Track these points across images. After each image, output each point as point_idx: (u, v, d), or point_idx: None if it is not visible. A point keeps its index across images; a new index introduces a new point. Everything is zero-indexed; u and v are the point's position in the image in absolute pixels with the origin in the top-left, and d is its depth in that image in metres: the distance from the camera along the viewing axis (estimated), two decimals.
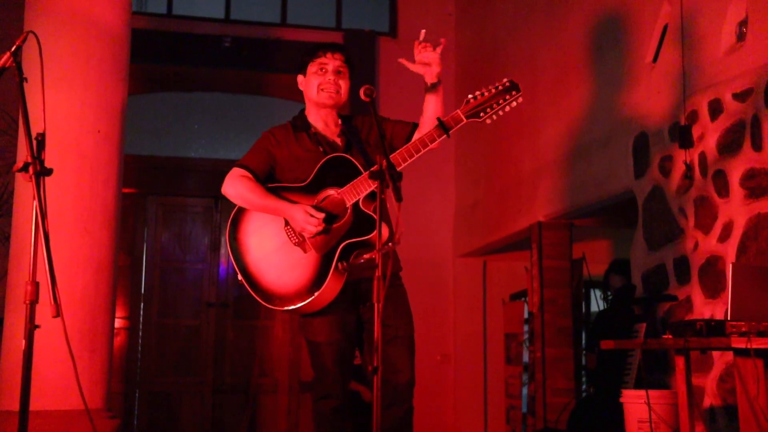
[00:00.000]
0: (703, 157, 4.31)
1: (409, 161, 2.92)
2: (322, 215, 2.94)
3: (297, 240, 3.01)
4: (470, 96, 2.97)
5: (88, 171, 4.65)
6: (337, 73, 3.17)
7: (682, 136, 4.39)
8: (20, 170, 2.38)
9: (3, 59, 2.44)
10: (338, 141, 3.19)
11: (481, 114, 2.95)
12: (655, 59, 4.86)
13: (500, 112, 2.97)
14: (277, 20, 8.16)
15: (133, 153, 6.58)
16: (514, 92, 2.98)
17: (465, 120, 2.95)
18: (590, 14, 5.71)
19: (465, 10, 8.23)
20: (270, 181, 3.14)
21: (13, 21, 5.22)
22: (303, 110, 3.26)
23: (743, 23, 4.13)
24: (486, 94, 2.97)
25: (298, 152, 3.13)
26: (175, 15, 7.92)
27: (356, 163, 2.99)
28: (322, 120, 3.20)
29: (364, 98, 2.76)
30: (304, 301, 2.94)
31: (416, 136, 3.04)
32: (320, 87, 3.15)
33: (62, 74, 4.60)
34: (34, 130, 2.41)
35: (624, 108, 5.17)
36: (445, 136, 2.93)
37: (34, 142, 2.40)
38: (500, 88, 2.98)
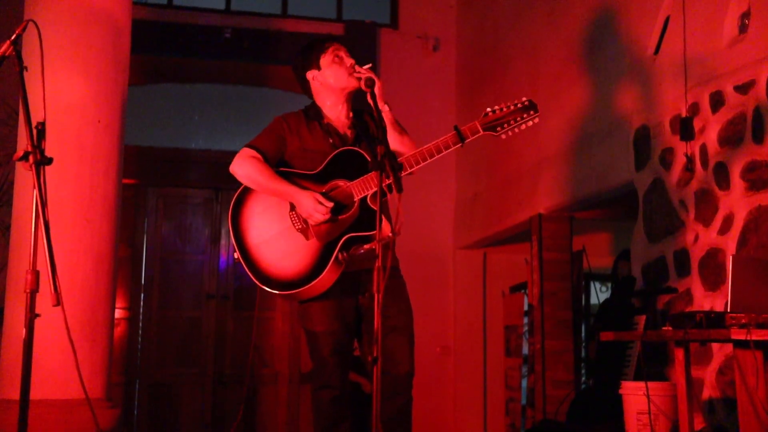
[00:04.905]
0: (704, 149, 4.31)
1: (422, 164, 2.96)
2: (330, 204, 2.96)
3: (300, 226, 3.02)
4: (489, 109, 3.03)
5: (88, 161, 4.64)
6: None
7: (684, 128, 4.39)
8: (20, 159, 2.38)
9: (3, 48, 2.43)
10: (348, 133, 3.20)
11: (498, 128, 3.01)
12: (656, 51, 4.84)
13: (516, 129, 3.03)
14: (278, 11, 8.13)
15: (134, 144, 6.56)
16: (532, 112, 3.03)
17: (482, 132, 3.00)
18: (592, 6, 5.69)
19: (466, 2, 8.19)
20: (279, 167, 3.14)
21: (13, 10, 5.21)
22: (314, 102, 3.26)
23: (745, 15, 4.12)
24: (505, 109, 3.02)
25: (309, 141, 3.14)
26: (176, 6, 7.89)
27: (368, 158, 3.00)
28: (336, 112, 3.20)
29: (364, 89, 2.76)
30: (301, 287, 2.97)
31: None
32: (349, 71, 3.12)
33: (63, 64, 4.58)
34: (34, 120, 2.40)
35: (625, 100, 5.16)
36: (459, 144, 2.97)
37: (35, 132, 2.39)
38: (519, 105, 3.03)
